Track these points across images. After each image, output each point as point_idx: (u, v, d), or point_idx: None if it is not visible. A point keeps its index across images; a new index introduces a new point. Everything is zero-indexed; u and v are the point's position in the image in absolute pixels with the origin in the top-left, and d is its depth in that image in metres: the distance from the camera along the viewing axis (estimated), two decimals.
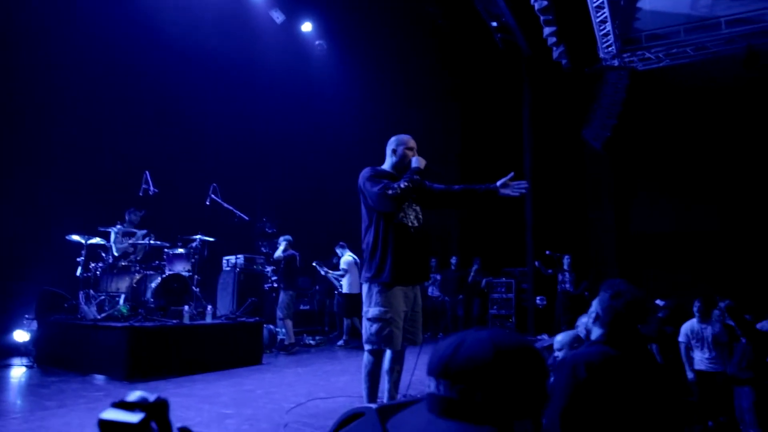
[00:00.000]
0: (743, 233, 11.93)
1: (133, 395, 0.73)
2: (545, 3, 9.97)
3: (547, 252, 9.79)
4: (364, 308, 3.65)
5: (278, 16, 10.70)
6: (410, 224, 3.70)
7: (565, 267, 10.26)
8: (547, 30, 10.65)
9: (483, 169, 13.58)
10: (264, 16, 10.66)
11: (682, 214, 12.53)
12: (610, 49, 11.02)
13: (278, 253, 8.58)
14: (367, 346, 3.61)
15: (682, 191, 12.54)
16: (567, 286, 10.27)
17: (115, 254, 7.22)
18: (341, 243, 9.56)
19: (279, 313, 8.44)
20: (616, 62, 11.31)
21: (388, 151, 3.87)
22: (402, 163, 3.75)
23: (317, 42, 11.75)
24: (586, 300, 10.44)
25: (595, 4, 9.92)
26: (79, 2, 7.90)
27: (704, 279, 11.53)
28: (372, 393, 3.62)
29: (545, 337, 10.15)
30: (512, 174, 3.71)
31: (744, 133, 11.73)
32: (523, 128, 12.53)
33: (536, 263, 9.90)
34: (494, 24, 11.95)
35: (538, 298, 10.52)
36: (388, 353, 3.64)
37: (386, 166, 3.86)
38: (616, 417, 1.89)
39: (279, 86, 11.03)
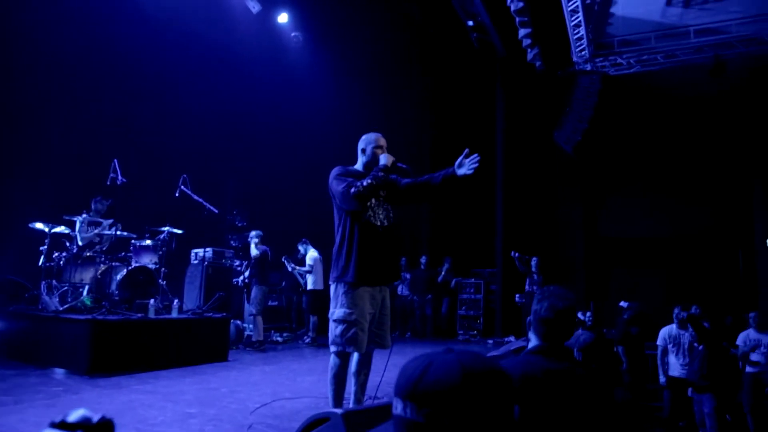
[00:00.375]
0: (709, 238, 12.25)
1: (75, 414, 0.67)
2: (521, 4, 10.05)
3: (515, 254, 9.84)
4: (331, 309, 3.61)
5: (254, 6, 10.55)
6: (378, 223, 3.66)
7: (533, 269, 10.35)
8: (522, 31, 10.74)
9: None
10: (240, 5, 10.51)
11: (650, 218, 12.80)
12: (583, 53, 11.17)
13: (253, 250, 8.45)
14: (332, 348, 3.57)
15: (650, 196, 12.81)
16: (535, 288, 10.37)
17: (80, 244, 7.04)
18: (304, 239, 9.50)
19: (252, 309, 8.35)
20: (588, 66, 11.47)
21: (359, 151, 3.85)
22: (372, 162, 3.72)
23: (293, 34, 11.62)
24: None
25: (569, 8, 10.04)
26: None
27: (670, 283, 11.83)
28: (338, 396, 3.59)
29: (512, 338, 10.28)
30: (466, 151, 3.59)
31: (710, 141, 12.03)
32: (495, 128, 12.62)
33: (515, 254, 9.91)
34: (470, 23, 12.01)
35: (517, 295, 10.55)
36: (355, 355, 3.61)
37: (358, 165, 3.84)
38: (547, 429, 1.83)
39: (253, 77, 10.90)
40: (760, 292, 11.27)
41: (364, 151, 3.80)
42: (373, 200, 3.66)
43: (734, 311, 9.21)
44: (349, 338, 3.47)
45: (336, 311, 3.55)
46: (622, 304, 8.28)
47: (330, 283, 3.70)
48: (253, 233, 8.56)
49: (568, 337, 2.11)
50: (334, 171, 3.70)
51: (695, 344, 6.62)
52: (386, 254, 3.69)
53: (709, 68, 10.45)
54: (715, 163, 12.13)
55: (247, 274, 8.87)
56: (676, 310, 6.98)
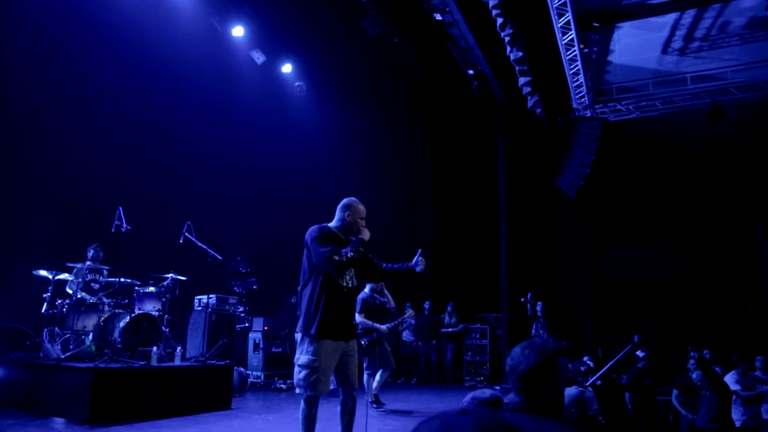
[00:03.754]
0: (716, 281, 12.18)
1: None
2: (521, 54, 10.27)
3: (528, 297, 9.82)
4: (297, 354, 3.86)
5: (259, 57, 10.81)
6: (345, 284, 3.94)
7: (539, 313, 10.28)
8: (522, 80, 10.95)
9: (457, 215, 13.75)
10: (245, 56, 10.77)
11: (654, 262, 12.77)
12: (582, 100, 11.37)
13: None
14: (297, 390, 3.83)
15: (654, 240, 12.81)
16: (541, 332, 10.27)
17: (69, 291, 6.97)
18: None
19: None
20: (588, 113, 11.66)
21: (339, 211, 4.06)
22: (350, 229, 3.99)
23: (297, 84, 11.87)
24: (565, 349, 10.46)
25: (568, 57, 10.27)
26: (60, 36, 7.87)
27: (678, 327, 11.69)
28: None
29: None
30: (420, 251, 4.06)
31: (711, 185, 12.11)
32: (498, 174, 12.73)
33: (528, 297, 9.87)
34: (471, 72, 12.26)
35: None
36: (341, 397, 3.96)
37: (333, 224, 4.04)
38: None
39: (257, 125, 11.07)
40: None
41: (347, 216, 4.00)
42: None
43: (744, 353, 9.09)
44: (312, 383, 3.72)
45: (301, 357, 3.79)
46: (639, 353, 8.18)
47: (297, 331, 3.93)
48: None
49: (545, 391, 1.94)
50: (314, 231, 3.89)
51: (703, 391, 6.48)
52: (348, 313, 4.01)
53: (708, 113, 10.63)
54: (716, 206, 12.17)
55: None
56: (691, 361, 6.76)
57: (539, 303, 10.23)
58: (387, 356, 7.17)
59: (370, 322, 7.07)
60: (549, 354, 1.96)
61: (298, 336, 3.90)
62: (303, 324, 3.84)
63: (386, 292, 7.46)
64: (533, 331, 10.17)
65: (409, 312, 7.51)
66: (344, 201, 4.08)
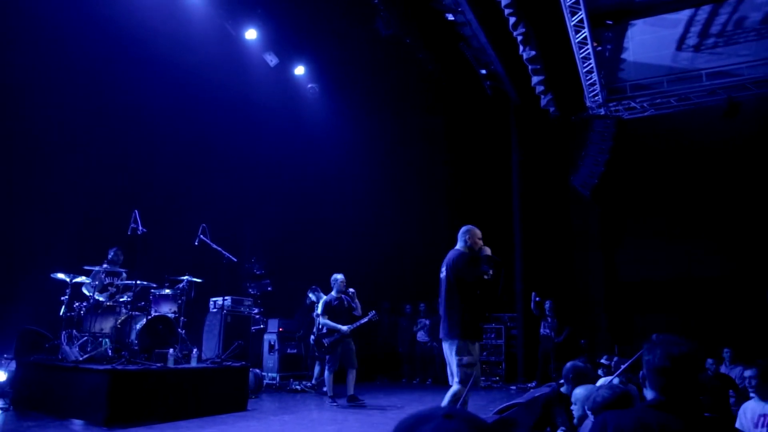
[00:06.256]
0: (733, 279, 12.02)
1: None
2: (533, 53, 10.23)
3: (535, 296, 9.81)
4: (458, 356, 4.77)
5: (272, 59, 10.85)
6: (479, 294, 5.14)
7: (547, 312, 10.24)
8: (535, 79, 10.90)
9: (471, 214, 13.69)
10: (258, 59, 10.82)
11: (670, 261, 12.63)
12: (596, 98, 11.29)
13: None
14: (459, 387, 4.71)
15: (670, 239, 12.67)
16: (549, 331, 10.24)
17: (86, 293, 7.04)
18: (314, 287, 9.43)
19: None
20: (602, 111, 11.57)
21: (461, 236, 5.11)
22: (473, 249, 5.01)
23: (309, 85, 11.89)
24: (581, 348, 10.38)
25: (581, 55, 10.20)
26: (74, 38, 7.95)
27: (695, 326, 11.56)
28: None
29: (534, 384, 10.04)
30: (534, 294, 5.23)
31: (727, 182, 11.96)
32: (511, 174, 12.67)
33: (535, 296, 9.88)
34: (483, 72, 12.22)
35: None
36: None
37: (460, 247, 5.09)
38: None
39: (270, 127, 11.11)
40: None
41: (468, 239, 5.04)
42: None
43: (765, 354, 8.95)
44: (476, 378, 4.78)
45: (464, 358, 4.76)
46: None
47: (449, 338, 4.87)
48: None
49: (692, 388, 1.84)
50: (462, 256, 4.95)
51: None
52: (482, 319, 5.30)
53: (723, 110, 10.50)
54: (733, 204, 12.02)
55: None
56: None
57: (548, 302, 10.19)
58: (350, 356, 7.64)
59: (332, 323, 7.66)
60: (690, 348, 1.87)
61: (449, 343, 4.86)
62: (460, 330, 4.78)
63: (357, 300, 7.97)
64: (541, 330, 10.17)
65: (372, 314, 7.92)
66: (463, 228, 5.11)
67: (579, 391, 3.30)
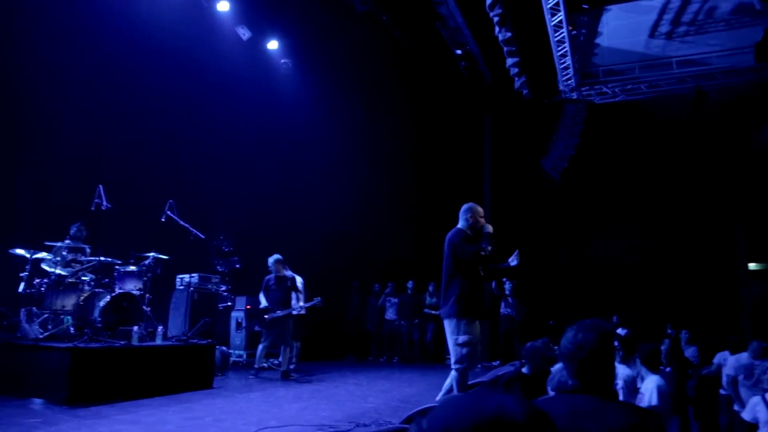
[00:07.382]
0: (694, 263, 12.36)
1: None
2: (509, 34, 10.20)
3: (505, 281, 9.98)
4: (454, 335, 4.69)
5: (244, 33, 10.61)
6: (481, 274, 5.10)
7: (507, 292, 10.41)
8: (509, 60, 10.90)
9: (441, 195, 13.73)
10: (230, 32, 10.56)
11: (635, 243, 12.91)
12: (569, 82, 11.35)
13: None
14: (457, 366, 4.70)
15: (636, 222, 12.93)
16: (510, 311, 10.43)
17: (48, 269, 6.84)
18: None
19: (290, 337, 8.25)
20: (575, 95, 11.65)
21: (462, 214, 5.00)
22: (474, 227, 4.94)
23: (283, 60, 11.69)
24: (549, 328, 10.59)
25: (556, 38, 10.22)
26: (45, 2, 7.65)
27: (656, 306, 11.89)
28: None
29: (498, 363, 10.22)
30: (517, 251, 5.19)
31: (694, 169, 12.21)
32: (483, 155, 12.71)
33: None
34: (458, 52, 12.16)
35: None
36: None
37: (461, 226, 4.98)
38: None
39: (242, 102, 10.89)
40: (742, 315, 11.37)
41: (469, 217, 4.94)
42: None
43: (717, 334, 9.29)
44: (472, 356, 4.70)
45: (460, 337, 4.67)
46: (620, 331, 8.30)
47: (447, 317, 4.80)
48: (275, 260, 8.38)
49: (606, 374, 1.87)
50: (458, 234, 4.87)
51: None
52: (483, 296, 5.10)
53: (692, 98, 10.67)
54: (698, 191, 12.30)
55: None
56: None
57: (508, 283, 10.36)
58: (285, 335, 7.99)
59: (267, 304, 8.08)
60: (606, 334, 1.89)
61: (447, 321, 4.77)
62: (457, 309, 4.69)
63: (302, 290, 8.55)
64: (501, 309, 10.34)
65: (317, 300, 8.34)
66: (464, 206, 5.01)
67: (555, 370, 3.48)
